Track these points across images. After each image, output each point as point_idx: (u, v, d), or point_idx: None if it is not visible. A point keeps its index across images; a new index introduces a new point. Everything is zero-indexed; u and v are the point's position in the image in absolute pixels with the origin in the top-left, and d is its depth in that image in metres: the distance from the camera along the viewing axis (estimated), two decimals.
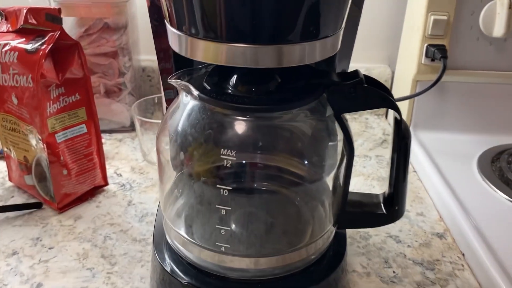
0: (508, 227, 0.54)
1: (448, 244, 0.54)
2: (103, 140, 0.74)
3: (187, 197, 0.40)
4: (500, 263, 0.48)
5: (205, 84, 0.38)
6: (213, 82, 0.38)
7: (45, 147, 0.54)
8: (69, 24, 0.70)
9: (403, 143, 0.40)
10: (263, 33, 0.33)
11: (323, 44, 0.35)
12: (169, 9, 0.35)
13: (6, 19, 0.55)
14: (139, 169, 0.68)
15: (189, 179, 0.38)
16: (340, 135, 0.39)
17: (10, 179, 0.63)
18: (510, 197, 0.59)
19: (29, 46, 0.52)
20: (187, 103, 0.39)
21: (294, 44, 0.33)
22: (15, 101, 0.54)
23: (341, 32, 0.36)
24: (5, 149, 0.60)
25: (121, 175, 0.66)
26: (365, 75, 0.39)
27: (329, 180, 0.41)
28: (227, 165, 0.34)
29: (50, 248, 0.51)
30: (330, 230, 0.41)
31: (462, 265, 0.51)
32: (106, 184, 0.62)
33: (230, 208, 0.35)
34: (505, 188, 0.61)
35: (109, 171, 0.66)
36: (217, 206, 0.35)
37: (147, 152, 0.69)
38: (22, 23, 0.52)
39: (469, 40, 0.70)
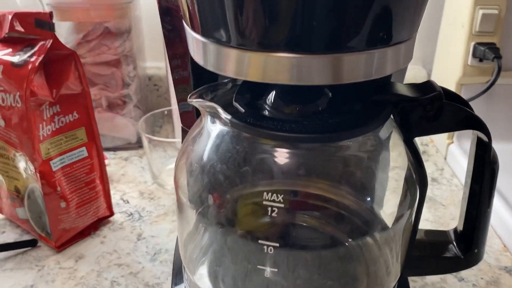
0: None
1: None
2: (106, 161, 0.65)
3: (216, 249, 0.31)
4: None
5: (236, 105, 0.29)
6: (245, 101, 0.30)
7: (39, 176, 0.45)
8: (65, 30, 0.61)
9: (490, 170, 0.32)
10: (317, 38, 0.24)
11: (396, 52, 0.26)
12: (190, 10, 0.27)
13: None
14: (148, 194, 0.59)
15: (219, 228, 0.30)
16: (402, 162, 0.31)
17: (1, 211, 0.54)
18: None
19: (16, 59, 0.43)
20: (214, 128, 0.30)
21: (358, 52, 0.25)
22: (1, 123, 0.46)
23: (416, 36, 0.28)
24: None
25: (128, 202, 0.57)
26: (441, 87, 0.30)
27: (391, 219, 0.32)
28: (273, 214, 0.26)
29: None
30: (395, 282, 0.33)
31: None
32: (112, 214, 0.54)
33: (276, 270, 0.27)
34: None
35: (115, 197, 0.58)
36: (258, 266, 0.27)
37: (157, 173, 0.61)
38: (7, 31, 0.44)
39: None
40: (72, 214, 0.49)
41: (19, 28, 0.44)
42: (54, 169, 0.46)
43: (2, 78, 0.44)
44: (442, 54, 0.70)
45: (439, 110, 0.29)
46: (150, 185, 0.61)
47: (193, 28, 0.28)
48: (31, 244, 0.49)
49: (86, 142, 0.49)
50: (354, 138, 0.27)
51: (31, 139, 0.44)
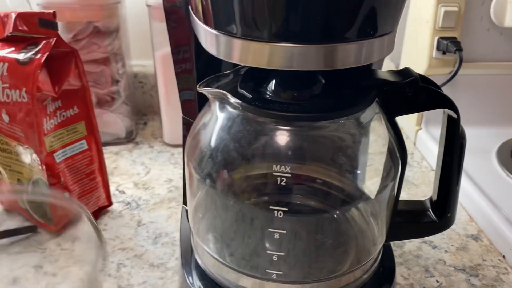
0: None
1: (486, 247, 0.51)
2: None
3: (229, 218, 0.35)
4: None
5: (243, 91, 0.33)
6: (249, 88, 0.34)
7: (44, 168, 0.48)
8: None
9: (459, 144, 0.37)
10: (316, 31, 0.29)
11: (381, 42, 0.31)
12: (204, 6, 0.30)
13: None
14: (142, 184, 0.62)
15: (233, 198, 0.34)
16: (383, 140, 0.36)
17: (1, 203, 0.56)
18: None
19: (21, 56, 0.46)
20: (223, 113, 0.34)
21: (350, 43, 0.29)
22: (6, 118, 0.48)
23: (396, 28, 0.33)
24: None
25: (124, 192, 0.60)
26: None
27: (376, 191, 0.37)
28: (281, 183, 0.30)
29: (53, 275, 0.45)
30: (381, 245, 0.38)
31: (506, 269, 0.48)
32: (110, 204, 0.56)
33: (285, 232, 0.31)
34: None
35: (111, 188, 0.60)
36: (269, 229, 0.31)
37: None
38: (11, 31, 0.46)
39: (479, 31, 0.67)
40: None
41: (23, 27, 0.46)
42: (57, 161, 0.49)
43: (7, 75, 0.46)
44: (408, 48, 0.76)
45: (416, 92, 0.34)
46: (143, 176, 0.64)
47: (206, 22, 0.31)
48: (32, 229, 0.52)
49: (86, 136, 0.52)
50: (348, 117, 0.32)
51: (37, 133, 0.46)
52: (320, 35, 0.29)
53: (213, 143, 0.34)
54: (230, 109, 0.33)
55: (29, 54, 0.46)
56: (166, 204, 0.58)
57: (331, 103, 0.31)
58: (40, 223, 0.52)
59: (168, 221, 0.55)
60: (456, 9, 0.65)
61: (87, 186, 0.53)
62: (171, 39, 0.40)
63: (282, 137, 0.31)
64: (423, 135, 0.71)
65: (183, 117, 0.45)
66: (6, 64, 0.46)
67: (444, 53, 0.67)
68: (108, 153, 0.70)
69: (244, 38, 0.29)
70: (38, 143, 0.47)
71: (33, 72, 0.45)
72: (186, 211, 0.49)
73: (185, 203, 0.49)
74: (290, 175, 0.30)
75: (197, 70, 0.40)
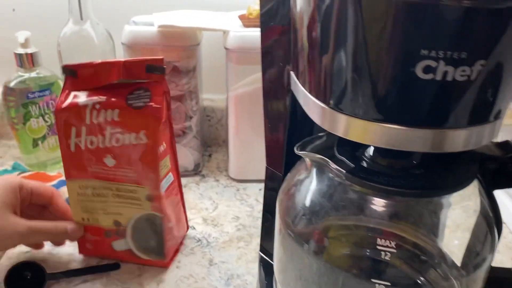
0: None
1: None
2: None
3: (323, 283, 0.35)
4: None
5: (343, 158, 0.34)
6: (347, 153, 0.35)
7: (160, 203, 0.50)
8: None
9: None
10: (425, 116, 0.28)
11: (492, 127, 0.30)
12: (313, 80, 0.32)
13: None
14: (211, 221, 0.64)
15: (331, 266, 0.34)
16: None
17: (81, 252, 0.56)
18: None
19: (132, 101, 0.48)
20: (323, 178, 0.35)
21: (461, 129, 0.29)
22: (109, 162, 0.50)
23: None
24: (81, 221, 0.54)
25: (194, 228, 0.62)
26: None
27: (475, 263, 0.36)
28: (385, 257, 0.30)
29: None
30: None
31: None
32: (187, 228, 0.60)
33: None
34: None
35: None
36: None
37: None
38: (120, 77, 0.48)
39: None
40: (174, 232, 0.54)
41: (130, 74, 0.48)
42: (162, 193, 0.51)
43: (118, 120, 0.48)
44: None
45: None
46: (211, 212, 0.66)
47: (311, 92, 0.32)
48: (115, 267, 0.54)
49: (171, 168, 0.54)
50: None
51: (155, 171, 0.49)
52: (429, 120, 0.28)
53: (310, 206, 0.35)
54: (330, 174, 0.34)
55: (142, 99, 0.48)
56: (235, 244, 0.59)
57: (435, 178, 0.32)
58: (144, 261, 0.54)
59: (239, 262, 0.56)
60: None
61: (178, 215, 0.56)
62: (264, 79, 0.42)
63: (385, 209, 0.32)
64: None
65: (266, 167, 0.46)
66: (117, 110, 0.48)
67: None
68: None
69: (351, 115, 0.30)
70: (156, 180, 0.49)
71: (153, 114, 0.47)
72: (262, 258, 0.50)
73: (261, 250, 0.50)
74: (394, 250, 0.30)
75: (290, 116, 0.41)
